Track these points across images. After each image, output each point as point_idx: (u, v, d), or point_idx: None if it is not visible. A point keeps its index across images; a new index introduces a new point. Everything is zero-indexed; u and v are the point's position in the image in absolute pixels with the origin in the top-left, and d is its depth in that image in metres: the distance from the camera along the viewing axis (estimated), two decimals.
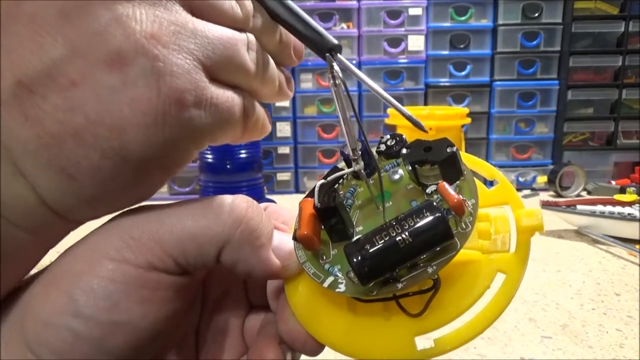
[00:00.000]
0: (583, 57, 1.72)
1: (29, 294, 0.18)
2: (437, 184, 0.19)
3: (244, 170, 1.31)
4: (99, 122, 0.16)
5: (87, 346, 0.17)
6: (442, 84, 1.79)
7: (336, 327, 0.20)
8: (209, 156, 1.27)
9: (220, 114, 0.18)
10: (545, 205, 1.22)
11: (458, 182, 0.19)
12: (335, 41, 0.19)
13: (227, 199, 0.20)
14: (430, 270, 0.17)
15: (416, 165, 0.19)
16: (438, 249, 0.17)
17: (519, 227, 0.19)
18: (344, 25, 1.75)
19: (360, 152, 0.20)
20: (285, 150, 1.79)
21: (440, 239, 0.17)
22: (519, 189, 1.78)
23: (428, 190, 0.19)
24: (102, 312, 0.17)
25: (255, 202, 0.21)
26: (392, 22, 1.73)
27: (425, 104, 1.79)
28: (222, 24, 0.18)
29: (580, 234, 1.22)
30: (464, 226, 0.18)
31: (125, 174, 0.17)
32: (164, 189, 1.65)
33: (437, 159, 0.19)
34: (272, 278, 0.21)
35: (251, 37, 0.19)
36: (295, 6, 0.19)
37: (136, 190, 0.18)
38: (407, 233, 0.17)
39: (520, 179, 1.79)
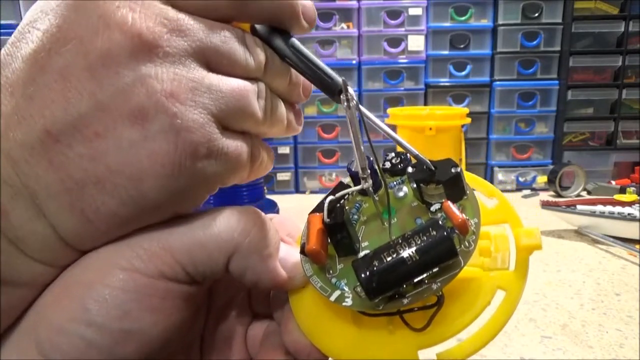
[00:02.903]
0: (583, 57, 1.72)
1: (41, 302, 0.19)
2: (441, 203, 0.19)
3: None
4: (119, 171, 0.17)
5: (98, 353, 0.17)
6: (442, 84, 1.79)
7: (341, 339, 0.21)
8: None
9: (230, 162, 0.19)
10: (545, 205, 1.22)
11: (461, 201, 0.20)
12: (342, 84, 0.20)
13: (236, 209, 0.20)
14: (435, 286, 0.18)
15: (421, 184, 0.20)
16: (443, 266, 0.18)
17: (518, 245, 0.19)
18: (344, 25, 1.75)
19: (369, 171, 0.21)
20: (285, 150, 1.79)
21: (446, 256, 0.18)
22: (518, 189, 1.78)
23: (432, 209, 0.20)
24: (113, 321, 0.17)
25: (262, 213, 0.22)
26: (392, 22, 1.73)
27: (425, 104, 1.79)
28: (235, 75, 0.19)
29: (580, 234, 1.22)
30: (467, 244, 0.18)
31: (140, 219, 0.18)
32: None
33: (442, 178, 0.19)
34: (278, 289, 0.22)
35: (262, 85, 0.20)
36: (306, 51, 0.21)
37: (148, 224, 0.19)
38: (414, 250, 0.17)
39: (520, 179, 1.79)
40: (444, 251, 0.17)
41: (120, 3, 0.17)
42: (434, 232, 0.18)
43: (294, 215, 1.36)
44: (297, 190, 1.83)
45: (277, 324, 0.24)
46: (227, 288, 0.25)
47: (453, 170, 0.19)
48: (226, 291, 0.25)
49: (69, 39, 0.17)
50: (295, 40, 0.21)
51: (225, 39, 0.19)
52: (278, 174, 1.80)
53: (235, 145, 0.19)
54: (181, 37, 0.18)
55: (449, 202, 0.19)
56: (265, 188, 1.51)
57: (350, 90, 0.20)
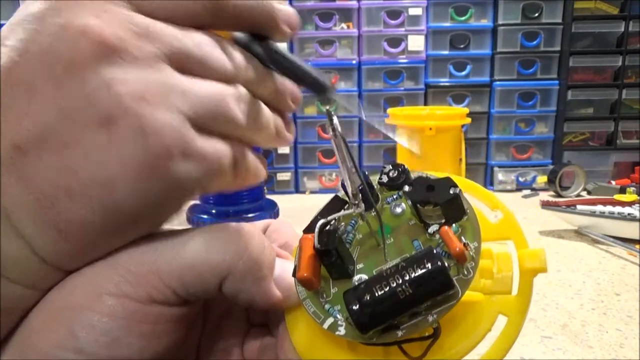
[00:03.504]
0: (583, 57, 1.72)
1: (28, 326, 0.18)
2: (439, 224, 0.19)
3: None
4: (90, 180, 0.17)
5: None
6: (442, 84, 1.79)
7: None
8: None
9: (208, 166, 0.18)
10: (545, 205, 1.22)
11: (461, 221, 0.19)
12: (329, 83, 0.20)
13: (229, 228, 0.20)
14: (430, 319, 0.17)
15: (418, 205, 0.19)
16: (439, 298, 0.17)
17: (522, 268, 0.19)
18: (344, 25, 1.75)
19: (360, 194, 0.20)
20: (285, 150, 1.79)
21: (441, 289, 0.17)
22: (518, 189, 1.78)
23: (430, 230, 0.19)
24: (102, 349, 0.17)
25: (258, 229, 0.21)
26: (392, 22, 1.73)
27: (425, 104, 1.79)
28: (212, 79, 0.19)
29: (580, 234, 1.22)
30: (465, 272, 0.18)
31: (118, 228, 0.18)
32: None
33: (439, 200, 0.18)
34: (273, 308, 0.21)
35: (242, 89, 0.20)
36: (288, 54, 0.20)
37: (129, 238, 0.19)
38: (407, 284, 0.17)
39: (520, 179, 1.79)
40: (439, 284, 0.17)
41: (83, 11, 0.17)
42: (428, 264, 0.17)
43: (293, 215, 1.35)
44: (297, 190, 1.83)
45: (273, 338, 0.23)
46: (224, 298, 0.25)
47: (451, 191, 0.18)
48: (223, 302, 0.24)
49: (33, 51, 0.16)
50: (275, 44, 0.20)
51: (199, 43, 0.18)
52: (278, 174, 1.80)
53: (215, 149, 0.18)
54: (150, 41, 0.17)
55: (447, 227, 0.18)
56: (265, 188, 1.51)
57: (335, 119, 0.19)
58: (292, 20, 0.21)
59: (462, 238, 0.18)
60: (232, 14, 0.19)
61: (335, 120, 0.19)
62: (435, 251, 0.17)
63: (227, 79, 0.19)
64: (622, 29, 1.68)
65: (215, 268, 0.19)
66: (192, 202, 1.42)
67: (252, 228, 0.21)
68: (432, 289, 0.17)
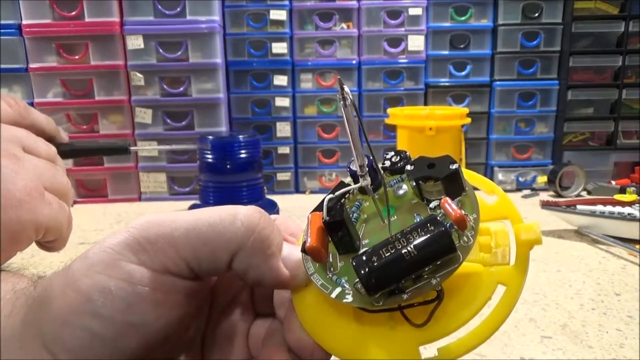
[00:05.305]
0: (583, 57, 1.72)
1: (47, 293, 0.19)
2: (440, 199, 0.20)
3: (244, 170, 1.30)
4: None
5: (101, 346, 0.17)
6: (442, 84, 1.79)
7: (343, 336, 0.21)
8: (209, 156, 1.27)
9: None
10: (545, 205, 1.22)
11: (460, 197, 0.20)
12: (122, 143, 0.30)
13: (241, 209, 0.21)
14: (434, 281, 0.18)
15: (420, 181, 0.20)
16: (441, 261, 0.18)
17: (518, 240, 0.20)
18: (344, 25, 1.75)
19: (367, 169, 0.21)
20: (285, 150, 1.79)
21: (444, 251, 0.18)
22: (518, 189, 1.78)
23: (431, 205, 0.20)
24: (118, 313, 0.18)
25: (266, 213, 0.22)
26: (392, 22, 1.73)
27: (425, 104, 1.79)
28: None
29: (580, 234, 1.22)
30: (465, 239, 0.19)
31: None
32: (164, 189, 1.65)
33: (440, 175, 0.20)
34: (281, 287, 0.22)
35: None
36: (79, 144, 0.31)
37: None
38: (412, 246, 0.18)
39: (520, 179, 1.79)
40: (442, 246, 0.18)
41: None
42: (432, 228, 0.18)
43: (294, 215, 1.36)
44: (297, 190, 1.83)
45: (280, 322, 0.24)
46: (230, 287, 0.25)
47: (451, 166, 0.20)
48: (229, 290, 0.25)
49: None
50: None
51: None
52: (278, 174, 1.80)
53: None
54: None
55: (447, 198, 0.19)
56: (265, 188, 1.51)
57: (346, 88, 0.20)
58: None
59: (462, 210, 0.19)
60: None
61: (347, 89, 0.20)
62: (438, 217, 0.18)
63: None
64: (622, 29, 1.68)
65: (227, 244, 0.20)
66: (192, 202, 1.42)
67: (262, 210, 0.22)
68: (436, 251, 0.18)
